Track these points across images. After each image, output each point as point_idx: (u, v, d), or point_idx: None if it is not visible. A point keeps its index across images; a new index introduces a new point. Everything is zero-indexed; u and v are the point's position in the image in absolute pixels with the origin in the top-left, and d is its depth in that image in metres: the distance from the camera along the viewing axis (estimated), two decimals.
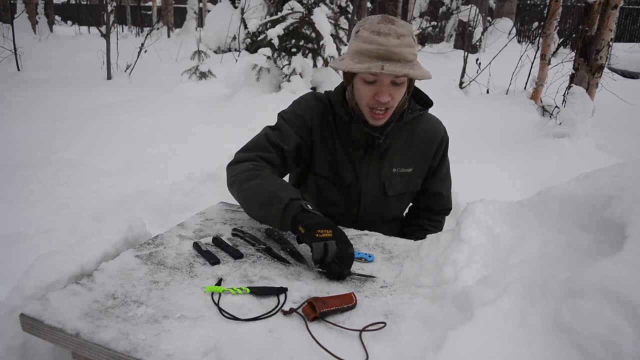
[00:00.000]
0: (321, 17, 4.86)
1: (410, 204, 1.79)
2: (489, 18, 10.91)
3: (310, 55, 5.31)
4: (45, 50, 9.88)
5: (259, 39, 5.35)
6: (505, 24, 10.47)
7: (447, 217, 1.80)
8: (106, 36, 6.80)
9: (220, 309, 1.00)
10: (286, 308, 1.01)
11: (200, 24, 14.31)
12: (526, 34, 12.27)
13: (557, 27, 5.75)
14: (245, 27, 7.63)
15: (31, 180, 3.13)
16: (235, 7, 10.88)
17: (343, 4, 5.75)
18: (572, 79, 4.26)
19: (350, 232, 1.44)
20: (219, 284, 1.10)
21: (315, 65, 5.30)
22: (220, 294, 1.06)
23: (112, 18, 7.33)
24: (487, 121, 4.38)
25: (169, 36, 15.01)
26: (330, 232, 1.15)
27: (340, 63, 1.37)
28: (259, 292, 1.07)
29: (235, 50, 9.63)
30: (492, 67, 5.82)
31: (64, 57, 9.20)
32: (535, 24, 9.97)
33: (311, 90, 1.64)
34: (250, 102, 4.61)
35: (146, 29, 13.58)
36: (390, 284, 1.15)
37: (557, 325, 0.79)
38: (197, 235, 1.38)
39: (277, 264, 1.22)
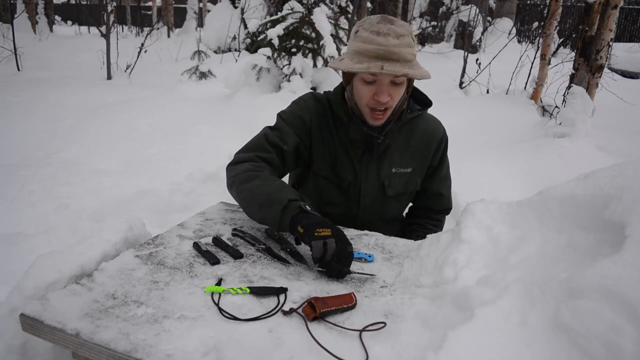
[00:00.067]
0: (321, 17, 4.86)
1: (411, 204, 1.79)
2: (489, 18, 10.91)
3: (310, 55, 5.31)
4: (45, 50, 9.88)
5: (259, 39, 5.35)
6: (505, 24, 10.47)
7: (447, 217, 1.80)
8: (106, 36, 6.80)
9: (220, 309, 1.00)
10: (286, 308, 1.01)
11: (200, 24, 14.31)
12: (526, 34, 12.27)
13: (557, 27, 5.75)
14: (245, 27, 7.63)
15: (31, 180, 3.13)
16: (235, 7, 10.88)
17: (343, 4, 5.75)
18: (572, 79, 4.26)
19: (350, 232, 1.44)
20: (219, 284, 1.10)
21: (315, 65, 5.30)
22: (220, 294, 1.06)
23: (112, 18, 7.33)
24: (487, 121, 4.38)
25: (169, 36, 15.01)
26: (329, 230, 1.15)
27: (339, 63, 1.38)
28: (259, 292, 1.07)
29: (235, 50, 9.63)
30: (492, 67, 5.82)
31: (64, 57, 9.20)
32: (535, 24, 9.97)
33: (310, 91, 1.64)
34: (250, 102, 4.61)
35: (146, 29, 13.58)
36: (390, 284, 1.15)
37: (557, 325, 0.79)
38: (197, 235, 1.38)
39: (277, 264, 1.22)
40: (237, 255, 1.24)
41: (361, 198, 1.58)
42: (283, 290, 1.07)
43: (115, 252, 1.23)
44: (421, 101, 1.57)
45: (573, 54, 4.45)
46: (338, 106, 1.51)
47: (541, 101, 4.96)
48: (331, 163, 1.56)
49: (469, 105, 5.06)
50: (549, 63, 5.03)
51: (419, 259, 1.25)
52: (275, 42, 4.90)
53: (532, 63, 5.28)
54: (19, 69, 7.10)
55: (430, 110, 1.62)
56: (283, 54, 5.14)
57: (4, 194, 2.94)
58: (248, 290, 1.07)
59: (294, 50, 5.09)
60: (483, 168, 3.26)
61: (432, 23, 12.79)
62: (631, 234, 0.84)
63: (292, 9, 5.11)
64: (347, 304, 1.01)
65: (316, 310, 0.97)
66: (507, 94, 5.37)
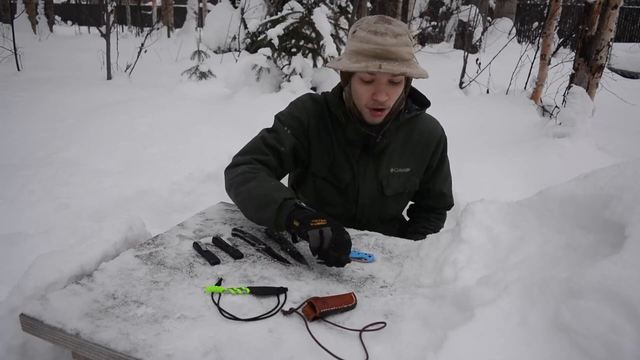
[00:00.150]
0: (321, 17, 4.86)
1: (412, 202, 1.80)
2: (489, 18, 10.91)
3: (310, 55, 5.31)
4: (45, 50, 9.88)
5: (259, 39, 5.35)
6: (505, 24, 10.47)
7: (447, 218, 1.82)
8: (106, 36, 6.80)
9: (220, 309, 1.00)
10: (286, 308, 1.01)
11: (200, 24, 14.31)
12: (526, 34, 12.27)
13: (557, 27, 5.75)
14: (245, 27, 7.62)
15: (31, 180, 3.13)
16: (235, 7, 10.88)
17: (343, 4, 5.75)
18: (572, 79, 4.26)
19: (350, 232, 1.43)
20: (219, 284, 1.10)
21: (315, 65, 5.30)
22: (220, 294, 1.06)
23: (112, 18, 7.33)
24: (487, 121, 4.38)
25: (169, 36, 15.01)
26: (325, 221, 1.17)
27: (337, 63, 1.38)
28: (259, 292, 1.07)
29: (235, 50, 9.63)
30: (492, 67, 5.82)
31: (64, 57, 9.20)
32: (535, 24, 9.97)
33: (308, 92, 1.64)
34: (250, 102, 4.61)
35: (146, 29, 13.58)
36: (390, 284, 1.15)
37: (557, 325, 0.79)
38: (197, 235, 1.38)
39: (277, 264, 1.22)
40: (237, 255, 1.24)
41: (359, 198, 1.59)
42: (283, 290, 1.07)
43: (115, 252, 1.23)
44: (419, 101, 1.57)
45: (573, 54, 4.45)
46: (336, 106, 1.51)
47: (541, 101, 4.96)
48: (329, 164, 1.56)
49: (469, 105, 5.06)
50: (549, 63, 5.03)
51: (419, 259, 1.25)
52: (275, 42, 4.90)
53: (532, 63, 5.28)
54: (19, 69, 7.10)
55: (430, 110, 1.62)
56: (283, 54, 5.14)
57: (4, 194, 2.94)
58: (248, 290, 1.07)
59: (294, 50, 5.09)
60: (483, 168, 3.26)
61: (432, 23, 12.79)
62: (631, 234, 0.83)
63: (292, 9, 5.11)
64: (347, 304, 1.01)
65: (316, 310, 0.97)
66: (507, 94, 5.37)
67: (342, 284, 1.14)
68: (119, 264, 1.17)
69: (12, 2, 12.99)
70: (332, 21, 5.30)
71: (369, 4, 12.24)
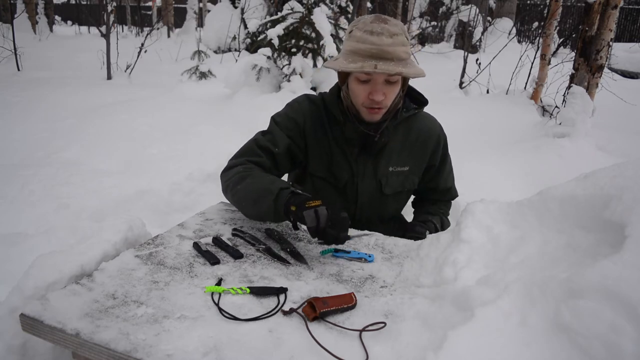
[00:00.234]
0: (321, 17, 4.86)
1: (414, 197, 1.82)
2: (489, 18, 10.91)
3: (310, 55, 5.31)
4: (45, 50, 9.88)
5: (259, 39, 5.35)
6: (505, 24, 10.46)
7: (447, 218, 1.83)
8: (106, 36, 6.80)
9: (220, 309, 1.00)
10: (286, 308, 1.01)
11: (200, 24, 14.31)
12: (526, 34, 12.27)
13: (557, 27, 5.75)
14: (245, 27, 7.62)
15: (31, 180, 3.12)
16: (235, 7, 10.88)
17: (343, 4, 5.75)
18: (572, 79, 4.26)
19: (350, 232, 1.44)
20: (219, 284, 1.10)
21: (315, 65, 5.30)
22: (220, 294, 1.06)
23: (112, 18, 7.33)
24: (487, 121, 4.38)
25: (169, 36, 15.00)
26: (319, 202, 1.18)
27: (334, 63, 1.39)
28: (259, 292, 1.07)
29: (235, 50, 9.63)
30: (492, 67, 5.82)
31: (64, 57, 9.20)
32: (535, 24, 9.96)
33: (305, 93, 1.65)
34: (250, 102, 4.61)
35: (146, 29, 13.58)
36: (390, 284, 1.15)
37: (557, 325, 0.79)
38: (197, 235, 1.38)
39: (277, 264, 1.22)
40: (237, 255, 1.24)
41: (359, 197, 1.59)
42: (283, 290, 1.07)
43: (115, 252, 1.23)
44: (417, 100, 1.58)
45: (573, 54, 4.45)
46: (334, 106, 1.52)
47: (541, 101, 4.96)
48: (327, 163, 1.56)
49: (469, 105, 5.06)
50: (549, 63, 5.03)
51: (419, 259, 1.25)
52: (275, 42, 4.90)
53: (532, 63, 5.27)
54: (19, 69, 7.10)
55: (430, 111, 1.62)
56: (283, 54, 5.14)
57: (4, 194, 2.94)
58: (248, 290, 1.07)
59: (294, 50, 5.09)
60: (483, 168, 3.25)
61: (432, 23, 12.79)
62: (631, 234, 0.83)
63: (292, 9, 5.11)
64: (347, 304, 1.01)
65: (316, 310, 0.97)
66: (507, 94, 5.37)
67: (342, 284, 1.14)
68: (119, 264, 1.17)
69: (12, 2, 12.99)
70: (332, 21, 5.30)
71: (369, 4, 12.24)
